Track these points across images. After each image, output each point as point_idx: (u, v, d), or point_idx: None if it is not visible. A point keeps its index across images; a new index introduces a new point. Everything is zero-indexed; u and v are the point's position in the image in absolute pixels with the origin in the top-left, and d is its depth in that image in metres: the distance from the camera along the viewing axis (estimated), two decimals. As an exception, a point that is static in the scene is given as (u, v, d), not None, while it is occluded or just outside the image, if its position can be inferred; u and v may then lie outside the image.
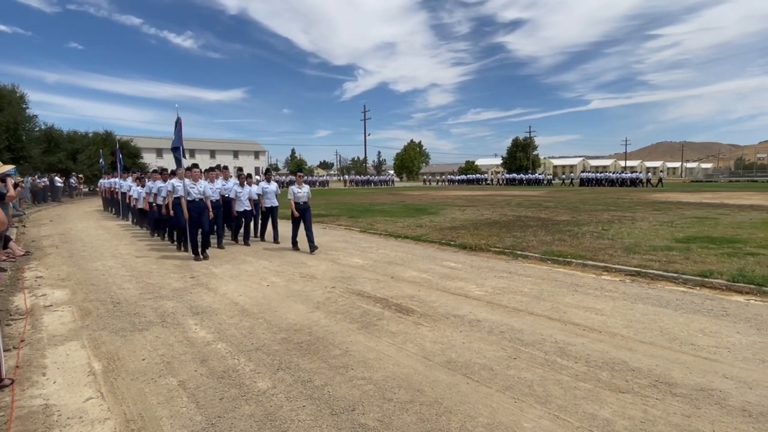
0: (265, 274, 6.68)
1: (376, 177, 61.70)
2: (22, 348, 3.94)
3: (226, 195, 9.50)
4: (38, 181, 23.40)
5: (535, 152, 71.56)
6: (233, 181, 9.88)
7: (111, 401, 3.00)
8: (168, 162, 47.98)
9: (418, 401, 2.91)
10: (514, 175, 56.51)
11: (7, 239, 8.26)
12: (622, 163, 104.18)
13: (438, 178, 67.45)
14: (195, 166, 8.17)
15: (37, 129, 28.02)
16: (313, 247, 8.35)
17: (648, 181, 42.30)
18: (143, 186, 11.70)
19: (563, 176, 58.86)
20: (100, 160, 22.44)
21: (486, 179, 59.22)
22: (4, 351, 3.25)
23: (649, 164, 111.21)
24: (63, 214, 17.76)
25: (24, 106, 25.36)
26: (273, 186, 9.91)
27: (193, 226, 7.95)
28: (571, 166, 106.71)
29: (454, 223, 12.29)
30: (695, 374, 3.25)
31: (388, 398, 2.95)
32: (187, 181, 7.93)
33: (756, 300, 5.02)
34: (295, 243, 8.84)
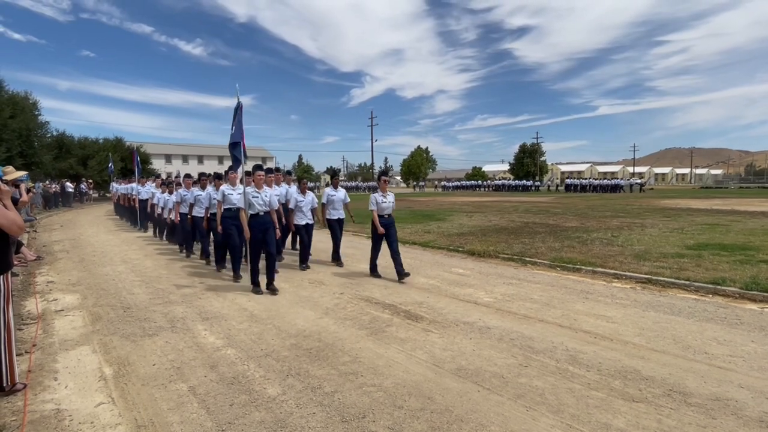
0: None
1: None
2: (34, 352, 3.97)
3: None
4: (49, 186, 23.70)
5: (543, 158, 71.28)
6: (286, 187, 8.12)
7: (122, 406, 3.01)
8: (176, 167, 48.30)
9: (428, 409, 2.89)
10: (504, 181, 60.57)
11: (19, 244, 8.35)
12: (630, 169, 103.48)
13: (436, 183, 70.76)
14: (260, 167, 6.24)
15: (49, 135, 28.47)
16: (403, 273, 6.51)
17: (634, 186, 45.77)
18: (170, 193, 10.19)
19: (548, 182, 60.48)
20: (109, 164, 22.13)
21: (479, 185, 60.86)
22: (16, 355, 3.28)
23: (657, 170, 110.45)
24: (73, 220, 17.95)
25: (36, 113, 25.76)
26: (341, 193, 7.98)
27: (256, 248, 6.12)
28: (579, 172, 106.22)
29: (462, 229, 12.25)
30: (710, 383, 3.20)
31: (399, 405, 2.93)
32: (249, 188, 6.10)
33: (770, 308, 4.94)
34: (375, 268, 6.95)
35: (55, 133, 30.33)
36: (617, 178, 59.63)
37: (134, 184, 14.66)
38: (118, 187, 17.35)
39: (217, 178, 7.19)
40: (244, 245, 7.07)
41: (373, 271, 6.95)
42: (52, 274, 7.37)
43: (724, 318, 4.64)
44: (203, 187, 8.40)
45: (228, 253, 7.30)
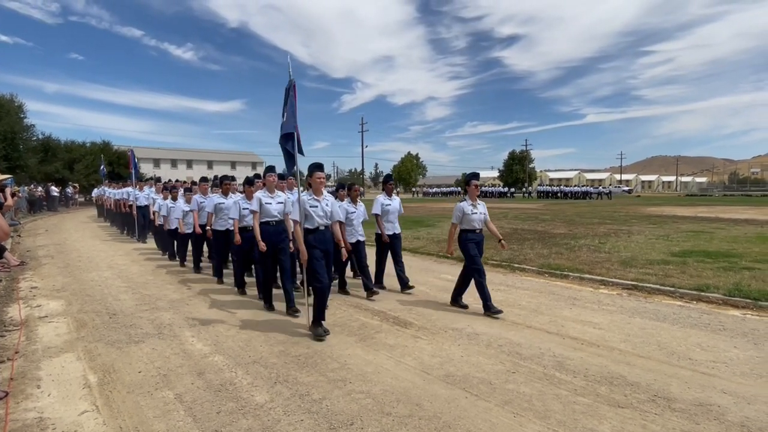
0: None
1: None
2: (17, 360, 3.90)
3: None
4: (35, 190, 23.34)
5: (532, 165, 71.93)
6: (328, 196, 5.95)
7: (107, 414, 2.96)
8: (164, 173, 47.87)
9: (417, 415, 2.89)
10: (484, 188, 62.62)
11: (2, 249, 8.20)
12: (617, 176, 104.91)
13: (416, 190, 73.20)
14: (319, 167, 4.76)
15: (35, 138, 28.07)
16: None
17: (603, 194, 48.89)
18: (174, 199, 8.89)
19: (523, 189, 62.51)
20: (102, 167, 21.42)
21: (458, 191, 61.92)
22: (-2, 363, 3.22)
23: (644, 178, 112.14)
24: (59, 224, 17.68)
25: (22, 115, 25.41)
26: (396, 202, 6.51)
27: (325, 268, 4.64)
28: (567, 179, 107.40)
29: (452, 235, 12.28)
30: (693, 389, 3.25)
31: (387, 412, 2.93)
32: (304, 195, 4.64)
33: (752, 314, 5.04)
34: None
35: (41, 136, 29.91)
36: (604, 186, 64.85)
37: (130, 189, 13.03)
38: (110, 192, 15.54)
39: (247, 183, 5.99)
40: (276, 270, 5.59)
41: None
42: (36, 280, 7.25)
43: (707, 324, 4.72)
44: (225, 194, 7.15)
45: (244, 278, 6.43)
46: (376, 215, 6.31)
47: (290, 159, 4.94)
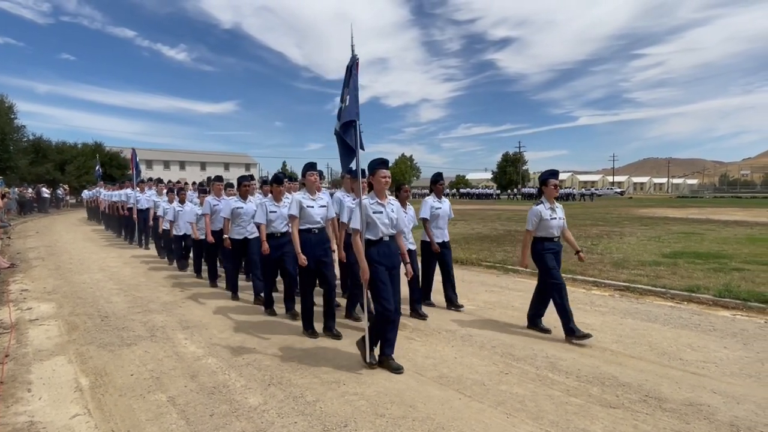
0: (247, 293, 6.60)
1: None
2: (7, 363, 3.86)
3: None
4: (25, 191, 23.11)
5: (525, 167, 72.31)
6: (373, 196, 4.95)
7: (98, 418, 2.94)
8: (157, 174, 47.52)
9: (410, 417, 2.90)
10: (468, 190, 64.96)
11: (-8, 251, 8.13)
12: (609, 178, 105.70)
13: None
14: (384, 163, 3.93)
15: (25, 139, 27.81)
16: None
17: (585, 196, 51.67)
18: (182, 202, 8.23)
19: (508, 191, 63.53)
20: (97, 168, 20.97)
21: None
22: (-12, 366, 3.19)
23: (636, 180, 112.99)
24: (49, 226, 17.51)
25: (12, 116, 25.16)
26: (446, 205, 5.65)
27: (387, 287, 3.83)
28: (561, 181, 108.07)
29: (445, 237, 12.32)
30: (684, 389, 3.28)
31: (381, 414, 2.94)
32: (366, 199, 3.81)
33: (741, 315, 5.10)
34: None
35: (31, 138, 29.63)
36: (597, 188, 68.43)
37: (129, 190, 12.15)
38: (107, 194, 14.57)
39: (276, 182, 5.16)
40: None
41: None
42: (27, 282, 7.18)
43: (698, 325, 4.77)
44: (244, 197, 6.18)
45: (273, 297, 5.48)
46: (425, 220, 5.44)
47: (349, 154, 3.98)
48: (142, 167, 15.17)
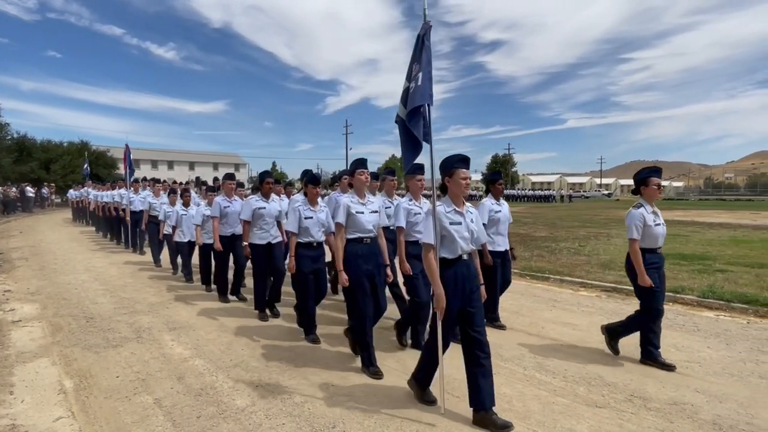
0: (246, 294, 6.56)
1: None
2: (-12, 365, 3.79)
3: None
4: (9, 190, 22.69)
5: (514, 169, 72.90)
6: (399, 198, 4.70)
7: (82, 421, 2.90)
8: (144, 174, 46.97)
9: (399, 417, 2.90)
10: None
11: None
12: (597, 180, 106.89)
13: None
14: (462, 161, 3.13)
15: (9, 138, 27.28)
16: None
17: (566, 197, 54.67)
18: (186, 204, 7.39)
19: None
20: (85, 166, 20.50)
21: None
22: (-31, 369, 3.13)
23: (623, 182, 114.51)
24: (34, 225, 17.22)
25: (-5, 114, 24.70)
26: (506, 208, 4.91)
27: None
28: (549, 183, 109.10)
29: (435, 238, 12.35)
30: (668, 388, 3.33)
31: (369, 415, 2.94)
32: (440, 205, 3.07)
33: (725, 316, 5.19)
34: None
35: (15, 135, 29.11)
36: (585, 190, 71.34)
37: (123, 191, 11.16)
38: (96, 194, 13.59)
39: (312, 183, 4.43)
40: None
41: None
42: (10, 283, 7.05)
43: (682, 325, 4.84)
44: (266, 196, 5.25)
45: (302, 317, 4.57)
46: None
47: (414, 148, 3.19)
48: (130, 165, 14.67)
